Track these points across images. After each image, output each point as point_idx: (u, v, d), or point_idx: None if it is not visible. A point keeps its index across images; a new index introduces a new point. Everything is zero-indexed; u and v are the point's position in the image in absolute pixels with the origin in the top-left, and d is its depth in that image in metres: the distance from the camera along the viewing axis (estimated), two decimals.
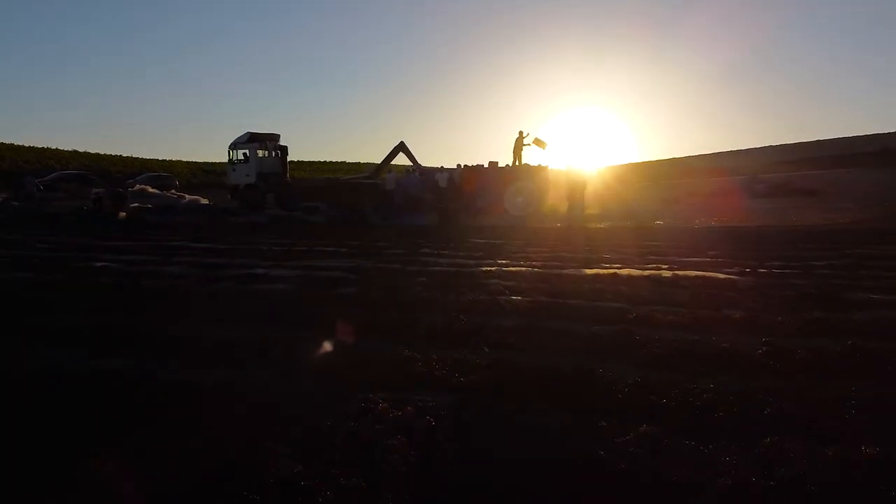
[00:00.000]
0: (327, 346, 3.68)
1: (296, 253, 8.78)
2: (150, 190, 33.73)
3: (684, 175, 45.91)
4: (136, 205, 21.61)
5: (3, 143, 60.65)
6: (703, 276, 5.92)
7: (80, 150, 67.95)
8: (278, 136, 23.67)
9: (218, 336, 3.85)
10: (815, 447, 2.17)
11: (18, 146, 61.40)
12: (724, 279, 5.81)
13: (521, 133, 20.35)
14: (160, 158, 73.06)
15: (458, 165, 20.17)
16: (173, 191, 37.46)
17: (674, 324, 4.07)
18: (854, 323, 4.06)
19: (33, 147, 62.26)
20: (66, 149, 66.43)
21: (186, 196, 32.49)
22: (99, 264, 7.50)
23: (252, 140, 22.68)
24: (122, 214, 18.29)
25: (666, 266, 6.68)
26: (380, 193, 19.22)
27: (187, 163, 71.48)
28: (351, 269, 6.98)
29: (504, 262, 7.51)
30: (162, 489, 1.99)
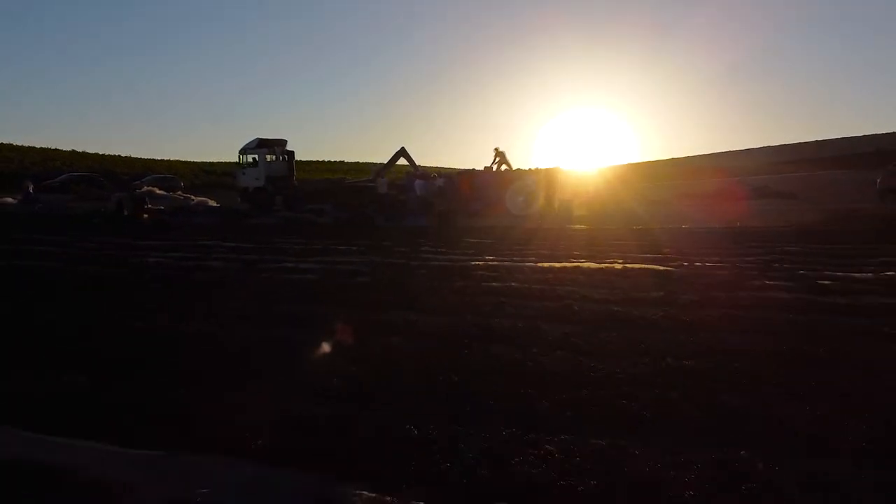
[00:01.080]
0: (356, 316, 5.23)
1: (313, 251, 10.35)
2: (158, 192, 35.14)
3: (684, 175, 47.53)
4: (152, 207, 23.10)
5: (8, 144, 62.03)
6: (647, 269, 7.50)
7: (79, 150, 68.98)
8: (285, 141, 25.28)
9: (277, 310, 5.42)
10: (666, 360, 3.73)
11: (19, 146, 62.62)
12: (662, 270, 7.39)
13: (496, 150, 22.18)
14: (158, 158, 74.07)
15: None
16: (179, 192, 38.89)
17: (606, 300, 5.65)
18: (738, 299, 5.63)
19: (32, 147, 63.52)
20: (64, 149, 67.35)
21: (194, 198, 33.97)
22: (152, 260, 9.08)
23: (261, 145, 24.30)
24: (145, 217, 19.80)
25: (621, 261, 8.25)
26: (383, 197, 20.72)
27: (185, 163, 72.76)
28: (363, 263, 8.56)
29: (490, 257, 9.09)
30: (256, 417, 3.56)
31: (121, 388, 3.40)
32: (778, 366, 3.66)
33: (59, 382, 3.44)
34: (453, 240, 12.31)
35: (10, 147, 60.76)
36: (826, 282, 6.43)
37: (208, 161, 75.67)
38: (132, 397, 3.24)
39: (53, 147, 66.87)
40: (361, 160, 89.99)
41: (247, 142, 24.82)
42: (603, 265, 7.84)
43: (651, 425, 2.86)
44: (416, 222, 17.28)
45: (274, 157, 24.50)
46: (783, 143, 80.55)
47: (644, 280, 6.74)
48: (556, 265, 7.96)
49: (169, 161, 72.71)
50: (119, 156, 71.72)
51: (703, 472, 2.34)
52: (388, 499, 2.20)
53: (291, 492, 2.36)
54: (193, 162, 74.37)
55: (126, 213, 21.19)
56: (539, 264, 8.13)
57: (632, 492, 2.25)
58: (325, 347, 4.22)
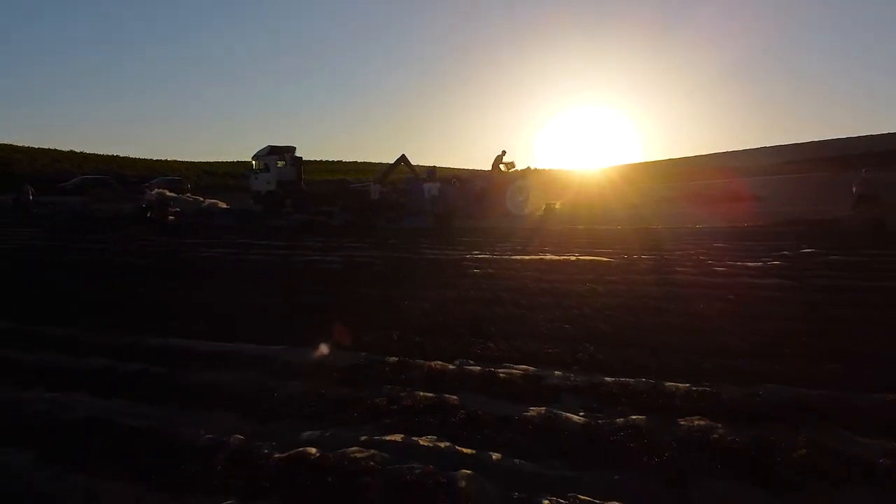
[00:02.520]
0: (375, 293, 7.60)
1: (332, 247, 12.72)
2: (168, 193, 37.29)
3: (671, 178, 49.99)
4: (176, 209, 25.43)
5: (10, 145, 64.01)
6: (594, 260, 9.87)
7: (77, 150, 70.65)
8: (294, 148, 27.66)
9: (316, 289, 7.78)
10: (573, 311, 6.09)
11: (22, 147, 64.42)
12: (605, 261, 9.76)
13: (503, 152, 24.51)
14: (155, 158, 75.67)
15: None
16: (188, 194, 40.99)
17: (552, 280, 8.02)
18: (644, 279, 8.01)
19: (30, 148, 65.34)
20: (62, 149, 68.87)
21: (203, 199, 36.19)
22: (205, 255, 11.45)
23: (272, 153, 26.73)
24: (171, 218, 22.15)
25: (577, 254, 10.64)
26: (376, 202, 22.93)
27: (183, 162, 74.72)
28: (376, 257, 10.93)
29: (477, 252, 11.46)
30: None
31: (262, 322, 5.75)
32: (634, 311, 6.03)
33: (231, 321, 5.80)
34: (448, 239, 14.69)
35: (13, 148, 62.74)
36: (720, 268, 8.82)
37: (206, 161, 77.77)
38: (277, 328, 5.59)
39: (54, 148, 68.51)
40: (359, 160, 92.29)
41: (258, 148, 27.29)
42: (561, 257, 10.23)
43: (547, 336, 5.21)
44: (415, 224, 19.63)
45: (284, 163, 26.88)
46: (780, 144, 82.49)
47: (587, 267, 9.13)
48: (525, 257, 10.34)
49: (168, 161, 74.65)
50: (116, 156, 73.31)
51: (562, 351, 4.69)
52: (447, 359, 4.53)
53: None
54: (191, 162, 76.39)
55: (151, 214, 23.58)
56: (513, 257, 10.52)
57: (534, 335, 4.62)
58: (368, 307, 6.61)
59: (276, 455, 2.88)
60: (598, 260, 9.88)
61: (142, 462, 2.88)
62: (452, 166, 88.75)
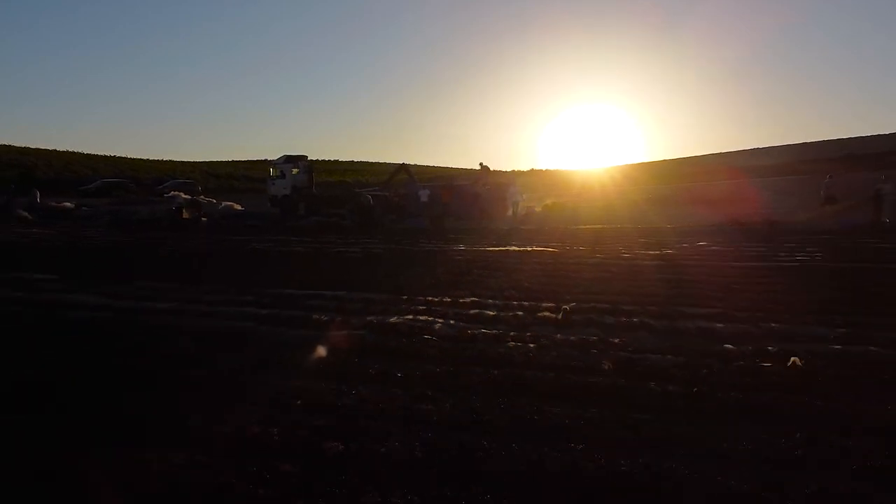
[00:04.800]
0: (389, 271, 11.62)
1: (350, 242, 16.78)
2: (184, 196, 41.12)
3: (654, 181, 54.11)
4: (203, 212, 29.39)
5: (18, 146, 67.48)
6: (544, 250, 13.94)
7: (73, 151, 73.95)
8: (306, 157, 31.84)
9: (343, 269, 11.83)
10: (516, 277, 10.14)
11: (28, 148, 67.74)
12: (552, 251, 13.81)
13: (483, 167, 28.58)
14: (153, 159, 79.11)
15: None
16: (202, 196, 44.76)
17: (513, 261, 12.07)
18: (568, 262, 12.06)
19: (44, 150, 68.81)
20: (60, 150, 72.19)
21: (215, 201, 40.02)
22: (259, 247, 15.48)
23: (287, 161, 30.90)
24: (203, 220, 26.16)
25: (533, 246, 14.70)
26: (391, 204, 26.93)
27: (184, 163, 78.28)
28: (385, 249, 14.99)
29: (462, 247, 15.51)
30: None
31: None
32: (548, 275, 10.07)
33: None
34: (440, 236, 18.77)
35: (18, 149, 66.30)
36: (626, 255, 12.88)
37: (204, 161, 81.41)
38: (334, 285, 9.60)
39: (54, 149, 71.79)
40: (356, 159, 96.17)
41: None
42: (523, 249, 14.30)
43: (491, 287, 9.22)
44: (414, 224, 23.71)
45: (297, 170, 30.96)
46: (773, 145, 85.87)
47: (537, 255, 13.19)
48: (496, 249, 14.43)
49: (166, 162, 78.21)
50: (114, 156, 76.56)
51: (494, 293, 8.72)
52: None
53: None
54: (191, 162, 79.99)
55: (184, 216, 27.58)
56: (487, 248, 14.60)
57: (483, 287, 8.64)
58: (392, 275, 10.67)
59: (354, 320, 6.89)
60: (547, 251, 13.96)
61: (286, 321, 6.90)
62: (452, 166, 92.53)
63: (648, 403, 4.10)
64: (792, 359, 4.89)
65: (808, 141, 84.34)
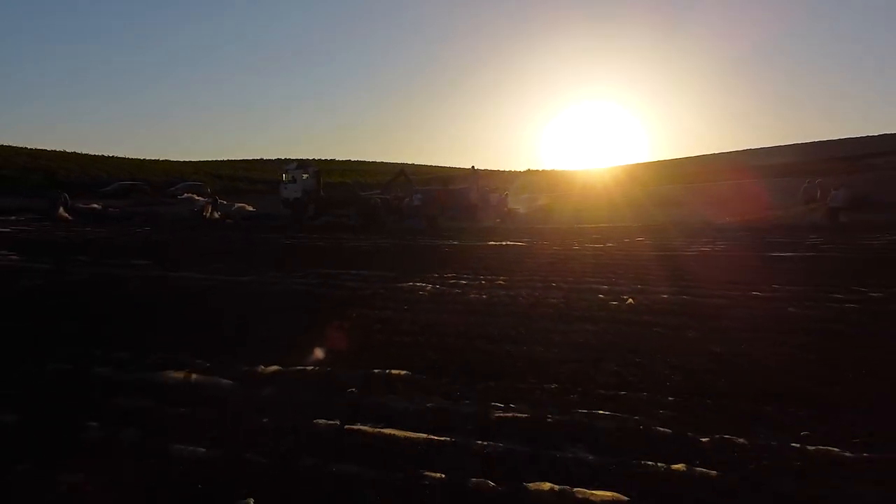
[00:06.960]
0: (394, 258, 15.46)
1: (359, 238, 20.65)
2: (196, 197, 44.72)
3: (666, 180, 57.72)
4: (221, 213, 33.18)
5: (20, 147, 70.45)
6: (517, 245, 17.81)
7: (71, 151, 77.08)
8: (315, 163, 35.72)
9: (360, 257, 15.70)
10: (497, 261, 14.00)
11: (29, 149, 70.62)
12: (523, 245, 17.68)
13: (475, 170, 32.46)
14: (153, 159, 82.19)
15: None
16: (217, 197, 48.15)
17: (497, 253, 15.95)
18: (540, 253, 15.94)
19: (41, 150, 71.64)
20: (57, 150, 75.22)
21: (233, 203, 43.71)
22: (287, 243, 19.33)
23: (298, 167, 34.77)
24: (228, 221, 30.00)
25: (509, 242, 18.56)
26: (391, 206, 30.81)
27: (185, 163, 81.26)
28: (391, 244, 18.86)
29: (455, 242, 19.38)
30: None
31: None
32: (517, 260, 13.93)
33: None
34: (436, 233, 22.64)
35: (23, 150, 69.40)
36: (576, 247, 16.76)
37: (202, 160, 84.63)
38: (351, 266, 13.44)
39: (55, 149, 74.84)
40: (353, 158, 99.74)
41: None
42: (499, 244, 18.18)
43: (469, 267, 13.08)
44: (413, 224, 27.60)
45: (307, 175, 34.84)
46: (772, 145, 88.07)
47: (511, 249, 17.06)
48: (479, 244, 18.31)
49: (170, 161, 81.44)
50: (115, 157, 79.66)
51: (469, 272, 12.58)
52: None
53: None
54: (189, 162, 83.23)
55: (206, 216, 31.43)
56: (473, 243, 18.49)
57: (463, 267, 12.50)
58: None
59: (374, 286, 10.74)
60: (519, 245, 17.85)
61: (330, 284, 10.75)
62: (453, 166, 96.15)
63: (543, 315, 7.94)
64: (628, 300, 8.74)
65: (817, 140, 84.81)
